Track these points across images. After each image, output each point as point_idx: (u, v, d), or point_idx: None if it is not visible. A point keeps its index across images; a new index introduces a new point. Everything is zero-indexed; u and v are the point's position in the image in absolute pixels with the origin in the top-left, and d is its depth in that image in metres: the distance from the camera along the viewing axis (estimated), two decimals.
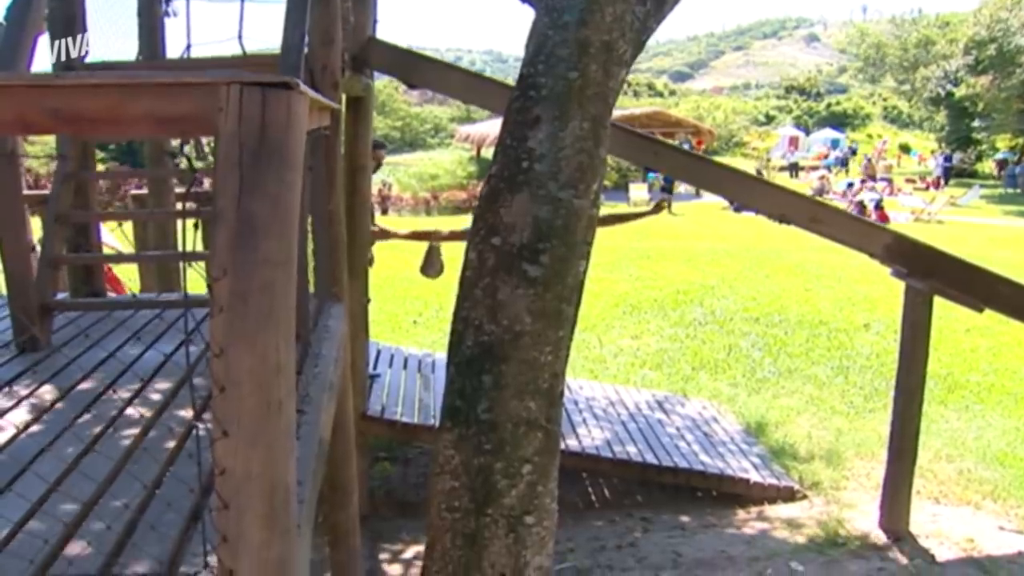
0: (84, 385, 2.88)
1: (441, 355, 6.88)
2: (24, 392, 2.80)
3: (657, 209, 5.49)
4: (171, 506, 1.83)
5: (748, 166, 28.07)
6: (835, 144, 42.01)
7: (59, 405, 2.68)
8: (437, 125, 51.79)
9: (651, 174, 26.47)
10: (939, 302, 5.03)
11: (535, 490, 2.66)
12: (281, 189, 1.37)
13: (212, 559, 1.66)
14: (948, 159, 34.14)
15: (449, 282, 3.40)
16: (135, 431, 2.36)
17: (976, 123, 33.99)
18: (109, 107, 1.38)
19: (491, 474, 2.60)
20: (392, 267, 11.39)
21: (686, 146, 24.77)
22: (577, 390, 7.09)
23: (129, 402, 2.63)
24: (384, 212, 24.98)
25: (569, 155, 2.58)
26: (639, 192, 26.80)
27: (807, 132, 46.79)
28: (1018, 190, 30.38)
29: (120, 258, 5.18)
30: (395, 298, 11.10)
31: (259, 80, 1.34)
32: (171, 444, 2.26)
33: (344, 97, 4.57)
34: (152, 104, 1.39)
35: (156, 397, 2.75)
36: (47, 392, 2.79)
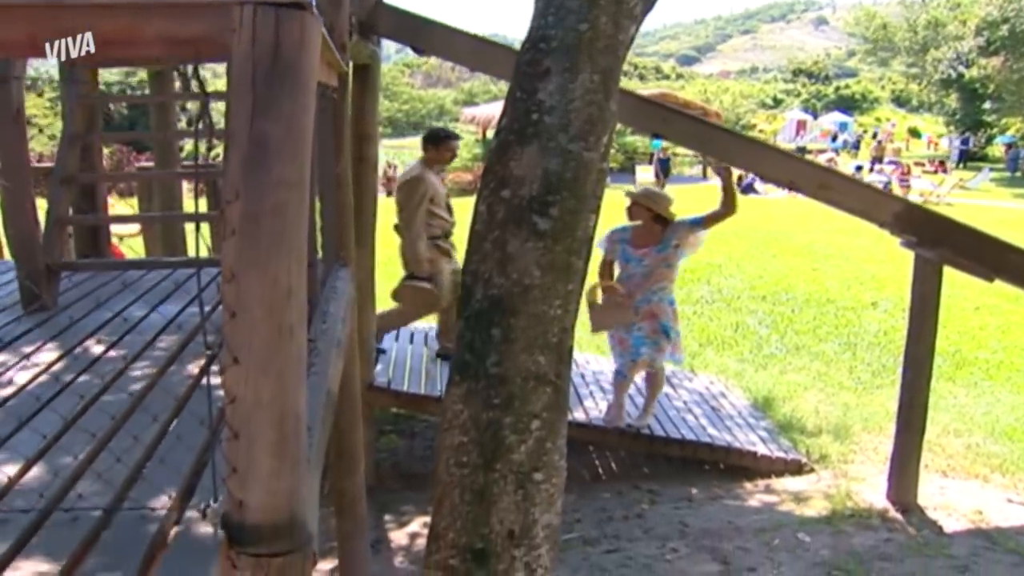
0: (93, 340, 2.88)
1: None
2: (30, 348, 2.80)
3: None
4: (182, 440, 1.83)
5: None
6: (843, 127, 41.82)
7: (70, 357, 2.68)
8: (441, 107, 51.75)
9: (656, 142, 26.39)
10: (947, 281, 5.01)
11: (544, 446, 2.65)
12: (295, 110, 1.35)
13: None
14: (965, 142, 33.92)
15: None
16: (148, 375, 2.35)
17: (987, 105, 33.74)
18: (122, 28, 1.36)
19: (500, 429, 2.58)
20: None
21: None
22: (584, 364, 7.08)
23: (141, 352, 2.63)
24: (389, 194, 24.97)
25: (579, 107, 2.55)
26: (646, 174, 26.76)
27: (815, 116, 46.60)
28: (1019, 173, 30.24)
29: (127, 219, 5.18)
30: (400, 276, 11.08)
31: (272, 0, 1.32)
32: (183, 390, 2.26)
33: (351, 66, 4.55)
34: (164, 25, 1.37)
35: (168, 349, 2.74)
36: (55, 347, 2.79)
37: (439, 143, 5.94)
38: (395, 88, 51.26)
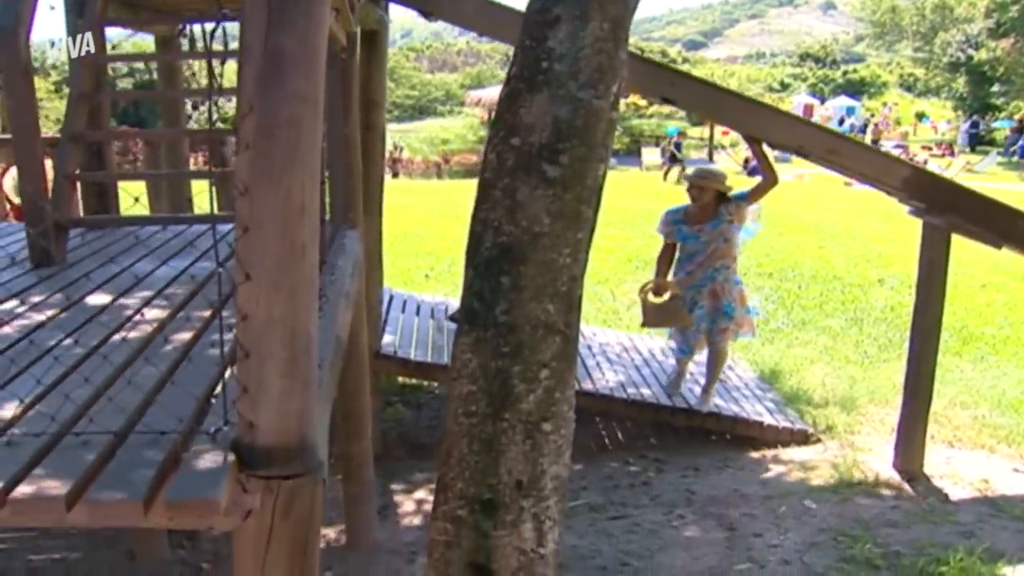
0: (104, 291, 2.88)
1: (454, 301, 6.89)
2: (40, 298, 2.80)
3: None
4: (194, 364, 1.83)
5: None
6: (850, 112, 41.60)
7: (82, 305, 2.68)
8: (448, 92, 51.63)
9: (672, 130, 26.47)
10: (954, 259, 4.98)
11: (553, 396, 2.64)
12: (310, 23, 1.35)
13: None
14: (975, 125, 33.66)
15: (463, 239, 3.30)
16: (162, 318, 2.35)
17: (995, 88, 33.47)
18: None
19: (509, 378, 2.57)
20: (405, 222, 11.38)
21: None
22: (591, 336, 7.08)
23: (156, 295, 2.62)
24: (395, 175, 24.98)
25: (589, 55, 2.54)
26: (651, 156, 26.72)
27: (822, 100, 46.34)
28: (1013, 158, 30.07)
29: (135, 176, 5.17)
30: (407, 252, 11.12)
31: None
32: (199, 325, 2.25)
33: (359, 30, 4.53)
34: None
35: (181, 296, 2.74)
36: (65, 298, 2.79)
37: None
38: (401, 72, 51.11)
